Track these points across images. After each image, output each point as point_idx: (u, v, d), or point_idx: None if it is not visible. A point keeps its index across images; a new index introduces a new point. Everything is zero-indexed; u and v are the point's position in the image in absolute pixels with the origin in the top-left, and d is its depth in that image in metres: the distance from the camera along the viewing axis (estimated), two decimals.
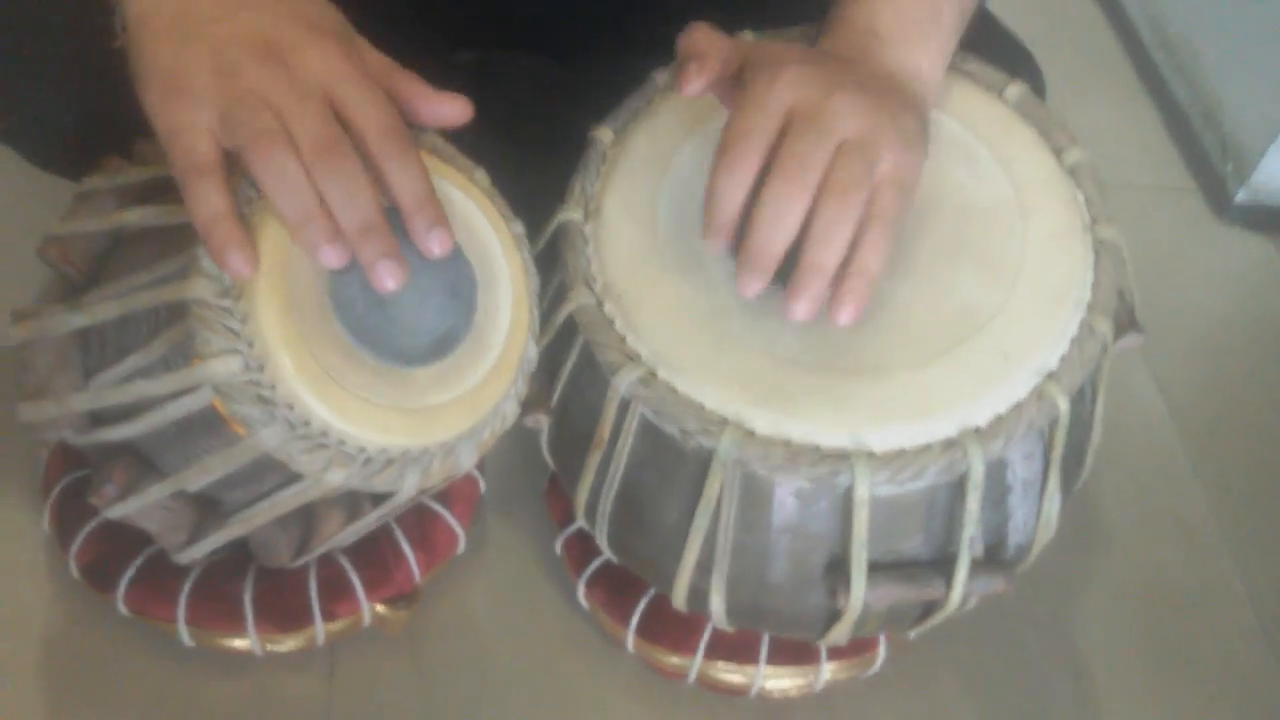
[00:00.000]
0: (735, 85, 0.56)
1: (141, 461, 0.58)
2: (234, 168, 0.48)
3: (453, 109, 0.51)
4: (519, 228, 0.58)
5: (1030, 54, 0.75)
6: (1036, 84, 0.72)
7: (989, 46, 0.69)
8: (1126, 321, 0.63)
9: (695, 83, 0.55)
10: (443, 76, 0.52)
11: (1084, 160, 0.64)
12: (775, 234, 0.52)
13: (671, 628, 0.69)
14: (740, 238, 0.53)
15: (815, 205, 0.52)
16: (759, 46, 0.59)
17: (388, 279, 0.48)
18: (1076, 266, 0.60)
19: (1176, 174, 1.18)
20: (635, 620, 0.70)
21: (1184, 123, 1.20)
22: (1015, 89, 0.67)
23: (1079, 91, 1.22)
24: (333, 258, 0.48)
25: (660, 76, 0.67)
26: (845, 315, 0.53)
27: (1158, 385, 0.96)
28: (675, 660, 0.70)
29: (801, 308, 0.52)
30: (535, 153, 0.71)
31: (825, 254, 0.52)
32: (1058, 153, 0.65)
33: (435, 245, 0.49)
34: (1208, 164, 1.16)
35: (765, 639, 0.69)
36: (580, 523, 0.66)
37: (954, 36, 0.62)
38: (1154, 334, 0.98)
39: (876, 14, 0.59)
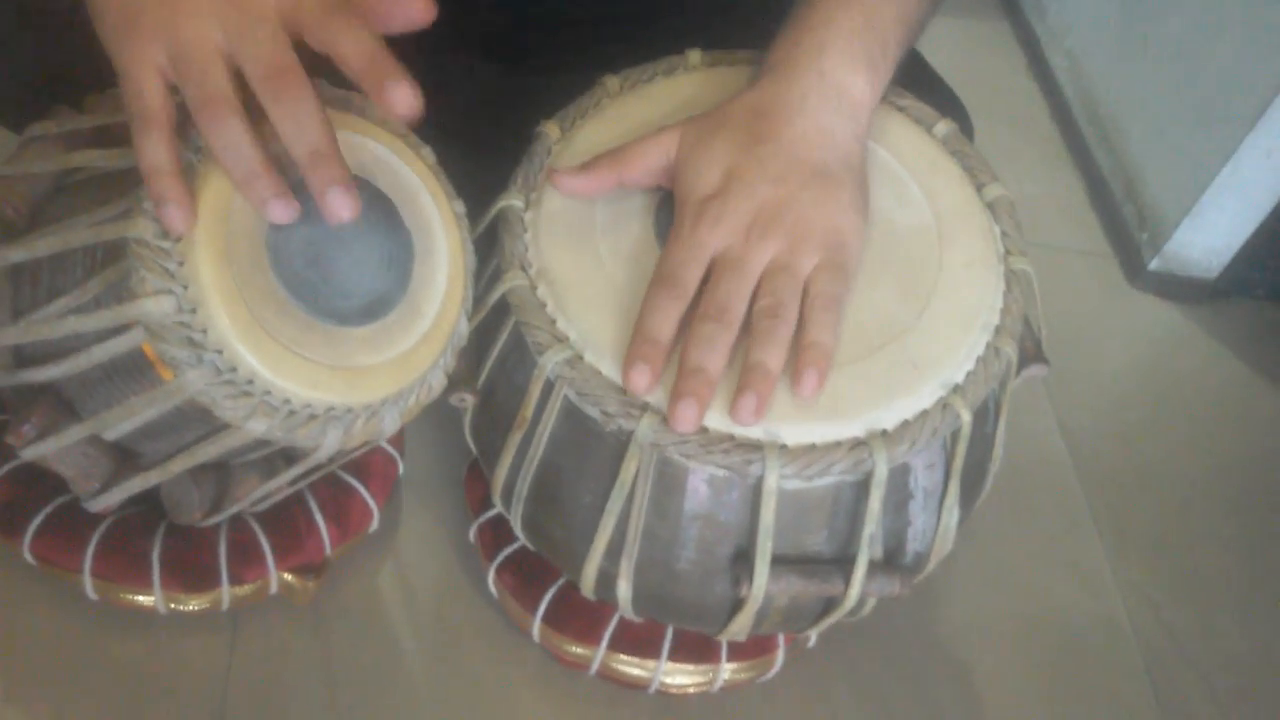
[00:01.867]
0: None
1: (62, 404, 0.58)
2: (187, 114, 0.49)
3: (417, 7, 0.49)
4: (460, 206, 0.60)
5: (959, 100, 0.79)
6: (964, 127, 0.76)
7: (922, 88, 0.73)
8: (1033, 351, 0.66)
9: (574, 180, 0.61)
10: None
11: (1003, 196, 0.68)
12: (707, 359, 0.55)
13: (578, 617, 0.70)
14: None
15: (750, 323, 0.56)
16: (687, 142, 0.61)
17: (339, 206, 0.47)
18: (987, 293, 0.63)
19: (1095, 239, 1.24)
20: (542, 608, 0.71)
21: (1105, 192, 1.26)
22: (943, 126, 0.70)
23: (1010, 156, 1.27)
24: (280, 212, 0.49)
25: (610, 81, 0.69)
26: (808, 387, 0.56)
27: (1063, 433, 1.00)
28: (579, 650, 0.71)
29: (749, 403, 0.55)
30: (481, 152, 0.73)
31: (766, 354, 0.55)
32: (979, 188, 0.68)
33: (393, 94, 0.47)
34: (1125, 232, 1.22)
35: (669, 634, 0.70)
36: (496, 505, 0.67)
37: (893, 69, 0.65)
38: (1062, 387, 1.03)
39: (828, 42, 0.61)
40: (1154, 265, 1.18)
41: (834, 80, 0.61)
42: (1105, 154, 1.28)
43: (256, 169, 0.48)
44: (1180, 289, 1.18)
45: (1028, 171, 1.29)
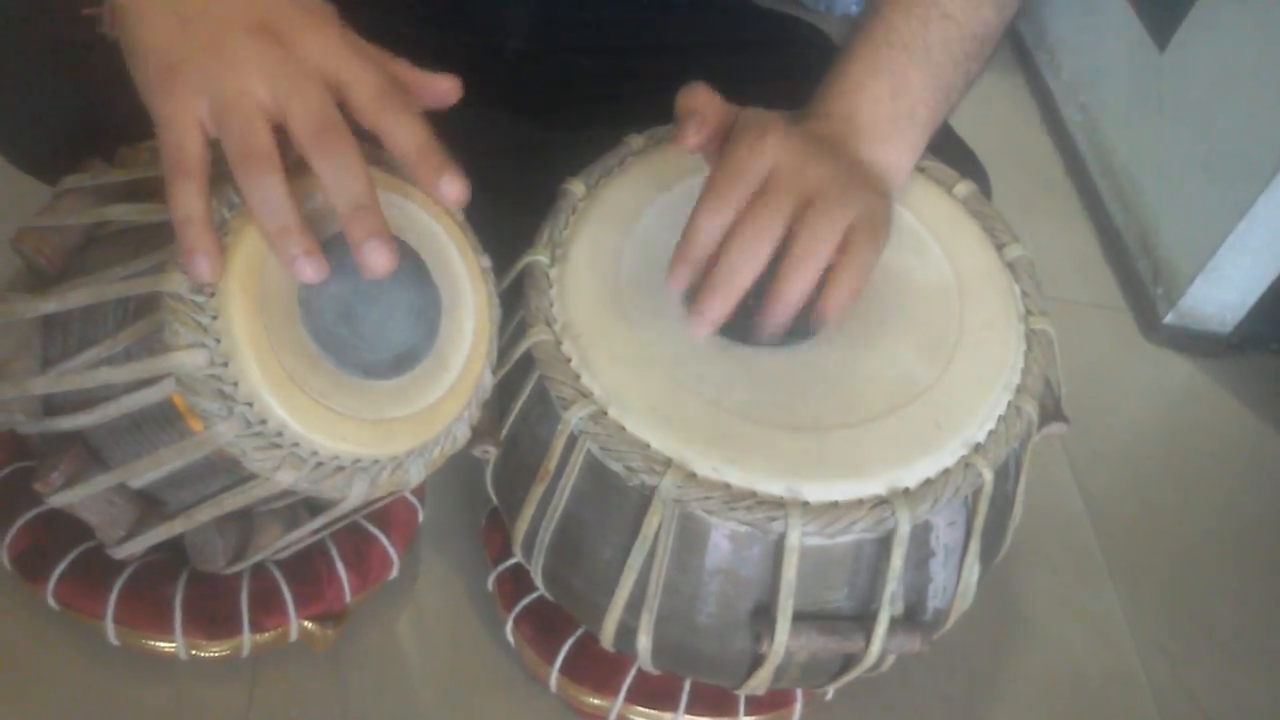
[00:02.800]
0: (721, 144, 0.59)
1: (90, 452, 0.58)
2: (224, 169, 0.50)
3: (445, 86, 0.52)
4: (487, 261, 0.61)
5: (977, 159, 0.80)
6: (983, 186, 0.76)
7: (941, 148, 0.74)
8: (1053, 409, 0.67)
9: (693, 137, 0.58)
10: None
11: (1023, 256, 0.68)
12: (744, 263, 0.55)
13: (595, 668, 0.70)
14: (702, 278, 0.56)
15: (788, 243, 0.55)
16: (749, 111, 0.61)
17: (375, 258, 0.48)
18: (1008, 352, 0.64)
19: (1110, 293, 1.24)
20: (560, 658, 0.71)
21: (1120, 247, 1.27)
22: (964, 187, 0.71)
23: (1024, 210, 1.29)
24: (308, 271, 0.49)
25: (634, 140, 0.70)
26: (833, 310, 0.56)
27: (1079, 485, 1.00)
28: (596, 701, 0.71)
29: (778, 311, 0.55)
30: (506, 203, 0.74)
31: (796, 282, 0.55)
32: (999, 248, 0.69)
33: (445, 187, 0.49)
34: (1140, 286, 1.23)
35: (686, 686, 0.70)
36: (517, 556, 0.67)
37: (926, 134, 0.65)
38: (1078, 439, 1.03)
39: (857, 110, 0.62)
40: (1169, 319, 1.18)
41: (865, 141, 0.62)
42: (1120, 208, 1.29)
43: (290, 224, 0.48)
44: (1195, 343, 1.19)
45: (1042, 225, 1.30)
